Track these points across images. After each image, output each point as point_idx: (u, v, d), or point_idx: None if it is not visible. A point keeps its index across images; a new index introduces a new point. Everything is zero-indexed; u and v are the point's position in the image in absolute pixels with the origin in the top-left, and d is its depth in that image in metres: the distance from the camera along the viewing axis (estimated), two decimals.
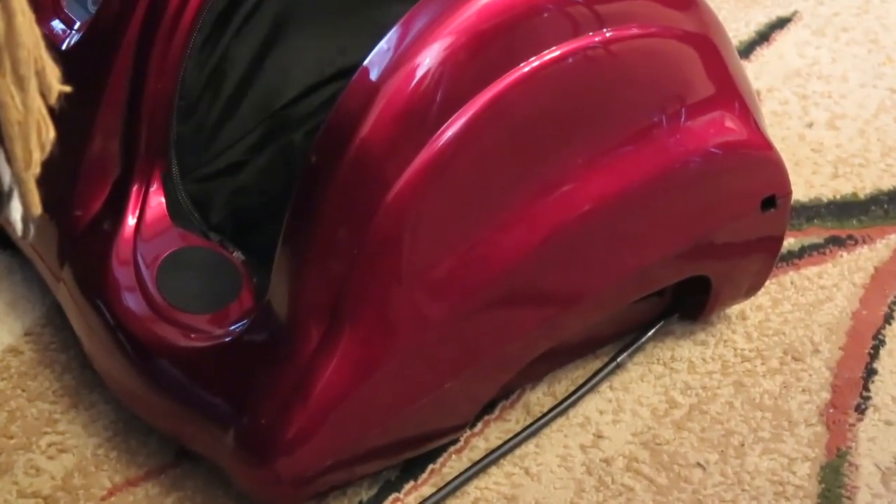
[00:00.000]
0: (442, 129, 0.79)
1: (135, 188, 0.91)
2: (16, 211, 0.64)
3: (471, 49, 0.79)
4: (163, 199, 0.91)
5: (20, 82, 0.61)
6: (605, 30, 0.83)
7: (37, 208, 0.64)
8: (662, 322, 1.00)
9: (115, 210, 0.91)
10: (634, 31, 0.84)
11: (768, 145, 0.92)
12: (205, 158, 0.93)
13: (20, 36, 0.60)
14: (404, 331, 0.82)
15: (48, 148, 0.63)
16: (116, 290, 0.88)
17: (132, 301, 0.88)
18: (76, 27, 0.96)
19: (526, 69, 0.80)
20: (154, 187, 0.92)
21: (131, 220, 0.90)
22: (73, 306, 0.92)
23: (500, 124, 0.80)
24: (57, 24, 0.97)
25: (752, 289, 1.01)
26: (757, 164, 0.92)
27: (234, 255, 0.90)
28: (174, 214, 0.91)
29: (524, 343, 0.89)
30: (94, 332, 0.90)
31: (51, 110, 0.63)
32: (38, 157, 0.63)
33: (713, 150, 0.88)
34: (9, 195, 0.64)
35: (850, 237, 1.11)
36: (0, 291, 1.03)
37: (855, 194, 1.15)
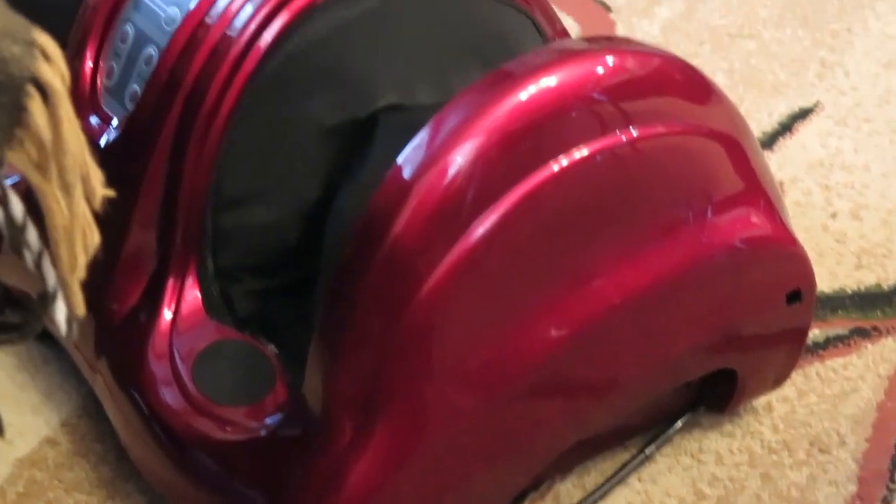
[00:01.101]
0: (473, 225, 0.80)
1: (171, 281, 0.92)
2: (60, 312, 0.65)
3: (501, 148, 0.80)
4: (198, 293, 0.92)
5: (66, 188, 0.62)
6: (631, 128, 0.84)
7: (81, 310, 0.65)
8: (689, 414, 1.00)
9: (152, 303, 0.92)
10: (660, 129, 0.85)
11: (793, 240, 0.93)
12: (227, 255, 0.94)
13: (67, 144, 0.62)
14: (436, 423, 0.83)
15: (92, 251, 0.65)
16: (153, 383, 0.89)
17: (168, 394, 0.89)
18: (114, 124, 0.97)
19: (555, 167, 0.81)
20: (189, 280, 0.93)
21: (167, 314, 0.91)
22: (109, 398, 0.93)
23: (531, 220, 0.81)
24: (94, 120, 0.98)
25: (778, 380, 1.01)
26: (782, 259, 0.93)
27: (268, 347, 0.91)
28: (209, 307, 0.92)
29: (554, 434, 0.89)
30: (130, 424, 0.91)
31: (94, 213, 0.64)
32: (82, 261, 0.64)
33: (739, 245, 0.89)
34: (53, 296, 0.65)
35: (874, 328, 1.11)
36: (37, 382, 1.04)
37: (878, 285, 1.16)
